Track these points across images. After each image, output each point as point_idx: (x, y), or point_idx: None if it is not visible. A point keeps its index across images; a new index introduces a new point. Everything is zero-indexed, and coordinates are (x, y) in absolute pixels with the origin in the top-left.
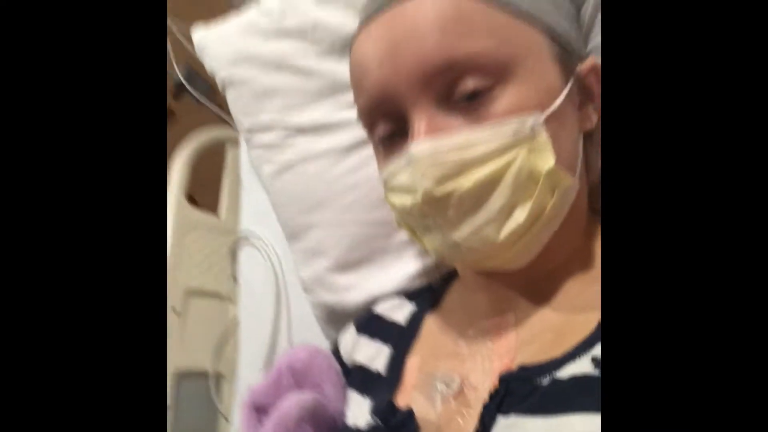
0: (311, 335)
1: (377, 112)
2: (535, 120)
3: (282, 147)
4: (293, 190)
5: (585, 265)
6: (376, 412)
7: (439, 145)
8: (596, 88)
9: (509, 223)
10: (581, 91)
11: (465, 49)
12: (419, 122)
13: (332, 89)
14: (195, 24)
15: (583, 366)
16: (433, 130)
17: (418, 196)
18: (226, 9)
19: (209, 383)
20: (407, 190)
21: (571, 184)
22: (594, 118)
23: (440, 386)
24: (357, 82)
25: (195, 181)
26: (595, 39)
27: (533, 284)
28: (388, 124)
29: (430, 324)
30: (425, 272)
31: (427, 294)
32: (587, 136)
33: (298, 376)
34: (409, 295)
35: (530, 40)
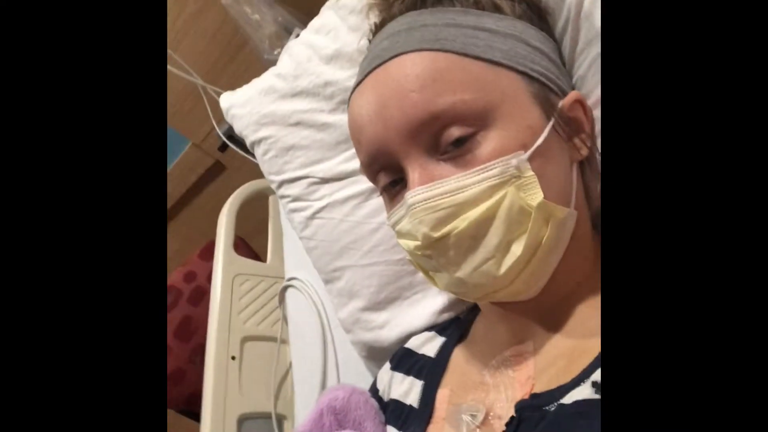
0: (357, 372)
1: (376, 166)
2: (518, 159)
3: (308, 197)
4: (322, 236)
5: (595, 289)
6: None
7: (432, 193)
8: (584, 119)
9: (508, 258)
10: (567, 124)
11: (444, 102)
12: (413, 172)
13: (347, 140)
14: (234, 87)
15: (585, 391)
16: (425, 179)
17: (419, 241)
18: (260, 71)
19: (272, 424)
20: (410, 235)
21: (566, 215)
22: (584, 148)
23: (466, 418)
24: (355, 139)
25: (251, 229)
26: (580, 69)
27: (548, 312)
28: (388, 175)
29: (458, 355)
30: (451, 305)
31: (455, 326)
32: (585, 165)
33: (338, 415)
34: (440, 328)
35: (507, 85)
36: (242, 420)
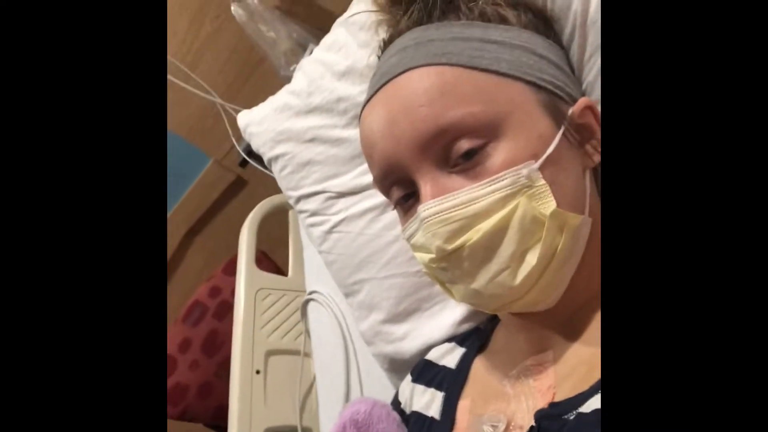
0: (381, 385)
1: (388, 181)
2: (529, 169)
3: (325, 212)
4: (340, 250)
5: None
6: None
7: (444, 206)
8: (595, 126)
9: (523, 268)
10: (578, 131)
11: (452, 116)
12: (424, 186)
13: (362, 154)
14: (252, 104)
15: None
16: (437, 192)
17: (434, 254)
18: (277, 87)
19: None
20: (424, 248)
21: (580, 222)
22: (596, 154)
23: (487, 429)
24: (367, 155)
25: (273, 243)
26: (589, 76)
27: (567, 320)
28: (400, 189)
29: (478, 366)
30: (471, 316)
31: (475, 336)
32: (598, 171)
33: (361, 428)
34: (460, 339)
35: (515, 96)
36: None
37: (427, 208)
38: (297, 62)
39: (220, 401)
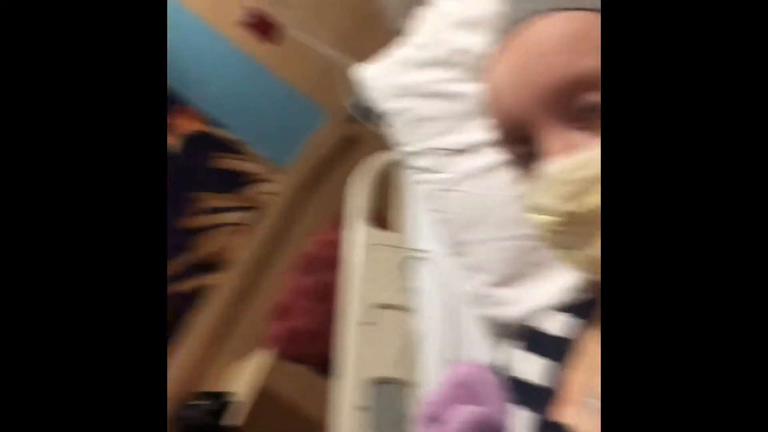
0: (482, 347)
1: (511, 136)
2: None
3: (438, 169)
4: (451, 209)
5: None
6: (531, 427)
7: (568, 164)
8: None
9: None
10: None
11: (586, 65)
12: (549, 142)
13: (479, 110)
14: (367, 58)
15: None
16: (562, 149)
17: (553, 215)
18: (393, 41)
19: (401, 389)
20: (543, 209)
21: None
22: None
23: (593, 402)
24: (489, 108)
25: (383, 200)
26: None
27: None
28: (523, 145)
29: (587, 336)
30: (583, 284)
31: (586, 306)
32: None
33: (463, 389)
34: (569, 307)
35: None
36: (373, 383)
37: (549, 165)
38: (413, 14)
39: (327, 348)
